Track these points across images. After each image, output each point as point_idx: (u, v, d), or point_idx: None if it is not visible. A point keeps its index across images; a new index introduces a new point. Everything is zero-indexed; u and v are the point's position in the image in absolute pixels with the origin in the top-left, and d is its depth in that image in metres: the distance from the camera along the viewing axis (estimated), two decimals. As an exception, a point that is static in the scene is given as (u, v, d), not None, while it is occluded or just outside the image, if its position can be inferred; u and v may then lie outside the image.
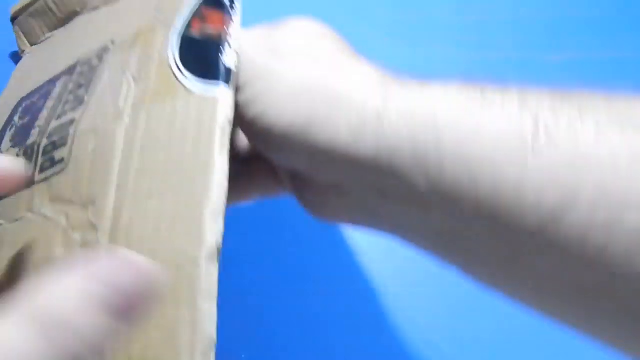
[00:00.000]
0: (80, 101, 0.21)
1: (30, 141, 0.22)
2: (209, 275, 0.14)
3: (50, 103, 0.23)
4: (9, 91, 0.29)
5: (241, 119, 0.20)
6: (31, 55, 0.30)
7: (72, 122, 0.20)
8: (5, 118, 0.26)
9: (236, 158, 0.26)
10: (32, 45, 0.30)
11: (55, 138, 0.20)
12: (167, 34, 0.19)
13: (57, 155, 0.20)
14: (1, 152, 0.23)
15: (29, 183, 0.20)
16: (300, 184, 0.23)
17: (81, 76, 0.22)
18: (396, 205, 0.18)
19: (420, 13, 0.45)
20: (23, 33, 0.30)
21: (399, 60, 0.39)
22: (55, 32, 0.29)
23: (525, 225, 0.14)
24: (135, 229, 0.16)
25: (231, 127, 0.17)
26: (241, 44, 0.20)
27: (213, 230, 0.15)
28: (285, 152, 0.20)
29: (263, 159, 0.25)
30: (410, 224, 0.18)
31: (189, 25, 0.19)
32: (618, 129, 0.14)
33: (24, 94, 0.26)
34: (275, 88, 0.19)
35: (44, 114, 0.22)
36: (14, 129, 0.24)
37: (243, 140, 0.26)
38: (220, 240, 0.15)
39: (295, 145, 0.19)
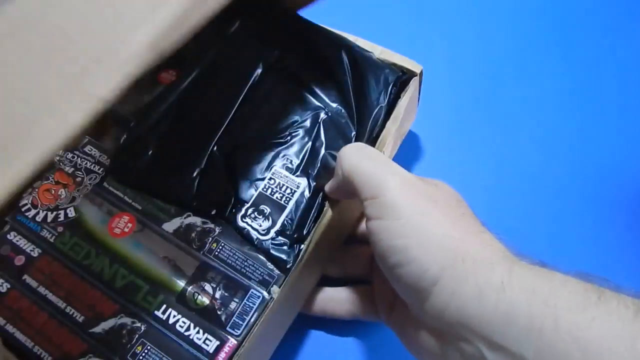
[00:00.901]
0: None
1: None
2: None
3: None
4: None
5: (378, 242, 0.23)
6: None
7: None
8: None
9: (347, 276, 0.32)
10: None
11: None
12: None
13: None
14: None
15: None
16: (404, 320, 0.26)
17: None
18: None
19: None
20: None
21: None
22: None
23: None
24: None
25: None
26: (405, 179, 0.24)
27: None
28: (407, 288, 0.22)
29: (367, 290, 0.30)
30: None
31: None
32: None
33: None
34: (423, 232, 0.22)
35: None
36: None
37: (357, 263, 0.32)
38: None
39: (420, 286, 0.21)
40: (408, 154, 0.40)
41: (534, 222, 0.37)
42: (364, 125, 0.32)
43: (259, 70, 0.33)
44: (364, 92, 0.32)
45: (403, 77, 0.33)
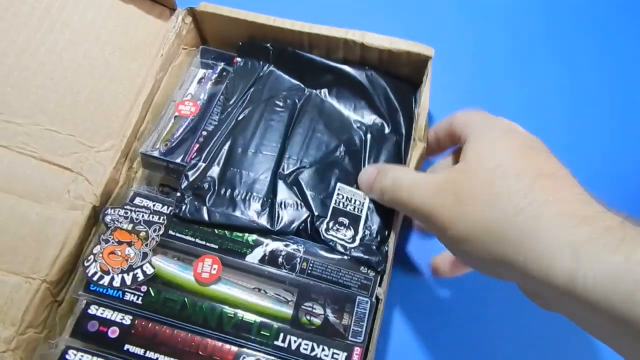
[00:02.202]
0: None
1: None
2: None
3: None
4: None
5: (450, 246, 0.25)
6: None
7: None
8: None
9: None
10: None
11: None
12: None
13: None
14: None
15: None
16: None
17: None
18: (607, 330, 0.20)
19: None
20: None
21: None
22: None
23: None
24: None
25: None
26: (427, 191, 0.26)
27: None
28: (492, 273, 0.24)
29: None
30: (620, 344, 0.20)
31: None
32: None
33: None
34: (470, 231, 0.23)
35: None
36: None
37: None
38: None
39: (503, 271, 0.23)
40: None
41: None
42: (400, 132, 0.35)
43: (298, 104, 0.36)
44: (392, 105, 0.36)
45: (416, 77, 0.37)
